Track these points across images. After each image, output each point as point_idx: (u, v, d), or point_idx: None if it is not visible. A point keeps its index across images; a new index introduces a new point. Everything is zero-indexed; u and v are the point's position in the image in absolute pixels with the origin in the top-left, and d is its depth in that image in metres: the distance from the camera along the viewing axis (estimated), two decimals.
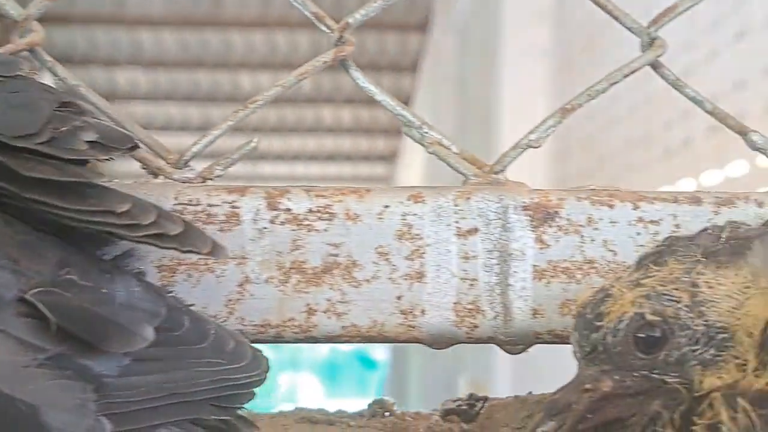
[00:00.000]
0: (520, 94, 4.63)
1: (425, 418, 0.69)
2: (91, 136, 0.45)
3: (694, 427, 0.43)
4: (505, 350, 0.59)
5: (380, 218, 0.58)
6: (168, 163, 0.60)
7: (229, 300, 0.57)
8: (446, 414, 0.69)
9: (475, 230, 0.58)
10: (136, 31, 6.22)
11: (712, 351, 0.45)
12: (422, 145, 0.64)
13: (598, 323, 0.47)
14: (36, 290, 0.41)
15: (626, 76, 0.63)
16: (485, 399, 0.69)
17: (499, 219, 0.58)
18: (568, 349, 0.50)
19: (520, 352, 0.59)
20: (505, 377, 3.86)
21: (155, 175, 0.60)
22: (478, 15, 5.63)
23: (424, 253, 0.58)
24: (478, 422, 0.66)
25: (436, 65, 6.31)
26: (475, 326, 0.58)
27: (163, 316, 0.45)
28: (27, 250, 0.42)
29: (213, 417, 0.46)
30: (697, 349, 0.45)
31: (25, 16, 0.61)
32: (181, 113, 7.18)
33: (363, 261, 0.58)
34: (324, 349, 7.06)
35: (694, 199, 0.59)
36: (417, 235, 0.58)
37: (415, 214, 0.58)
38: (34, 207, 0.43)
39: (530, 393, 0.66)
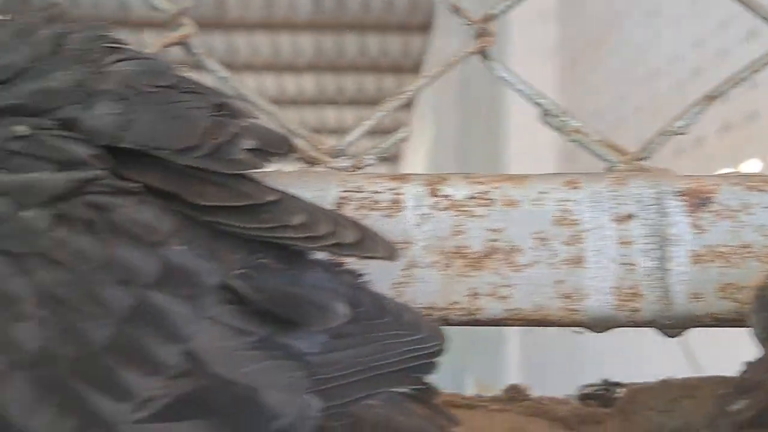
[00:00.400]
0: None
1: (563, 403, 0.70)
2: (250, 144, 0.45)
3: None
4: (664, 334, 0.60)
5: (537, 204, 0.59)
6: (324, 153, 0.61)
7: (396, 284, 0.58)
8: (583, 398, 0.70)
9: (632, 216, 0.59)
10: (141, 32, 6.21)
11: None
12: (562, 133, 0.65)
13: None
14: (237, 273, 0.42)
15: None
16: (619, 384, 0.70)
17: (655, 204, 0.59)
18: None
19: (677, 336, 0.61)
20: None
21: (312, 164, 0.61)
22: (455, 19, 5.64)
23: (582, 238, 0.59)
24: (617, 406, 0.67)
25: (439, 66, 6.31)
26: (636, 310, 0.59)
27: (346, 294, 0.45)
28: (219, 241, 0.43)
29: (408, 387, 0.47)
30: None
31: (177, 10, 0.62)
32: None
33: (522, 246, 0.59)
34: None
35: None
36: (575, 220, 0.59)
37: (572, 200, 0.59)
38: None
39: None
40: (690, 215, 0.59)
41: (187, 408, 0.38)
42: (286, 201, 0.45)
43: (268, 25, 6.11)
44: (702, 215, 0.59)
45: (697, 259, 0.59)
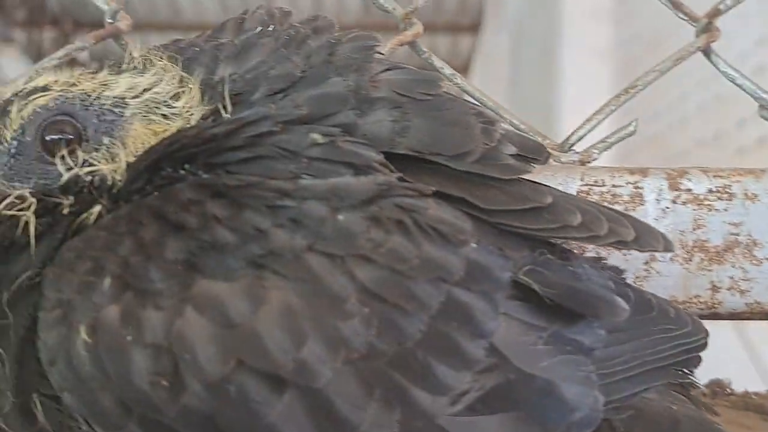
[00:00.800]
0: (580, 94, 4.61)
1: (763, 397, 0.70)
2: (512, 149, 0.46)
3: None
4: None
5: None
6: (553, 148, 0.62)
7: (637, 277, 0.59)
8: None
9: None
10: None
11: None
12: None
13: None
14: (526, 269, 0.42)
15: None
16: None
17: None
18: None
19: None
20: None
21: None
22: (534, 14, 5.63)
23: None
24: None
25: (488, 66, 6.31)
26: None
27: (619, 290, 0.46)
28: (504, 239, 0.44)
29: (680, 381, 0.47)
30: None
31: (408, 9, 0.63)
32: None
33: (763, 240, 0.59)
34: None
35: None
36: None
37: None
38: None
39: None
40: None
41: (496, 401, 0.39)
42: (562, 201, 0.45)
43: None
44: None
45: None
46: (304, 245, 0.37)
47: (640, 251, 0.47)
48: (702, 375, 0.62)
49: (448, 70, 0.65)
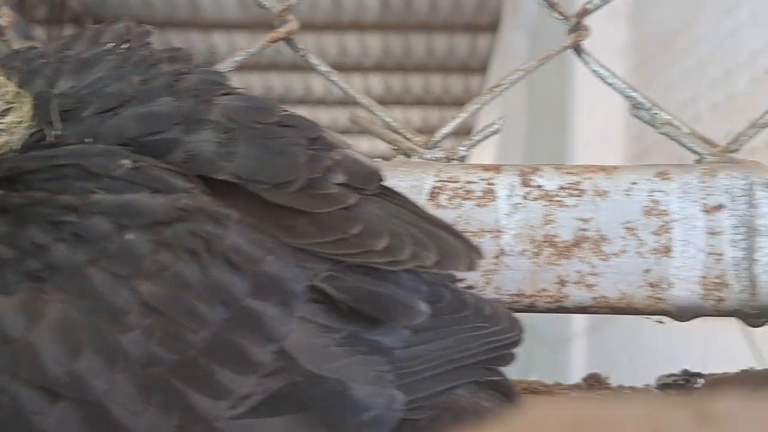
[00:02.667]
0: (595, 93, 4.60)
1: (643, 392, 0.71)
2: (341, 178, 0.47)
3: None
4: (748, 323, 0.61)
5: (627, 194, 0.61)
6: (419, 145, 0.64)
7: (486, 271, 0.60)
8: (662, 388, 0.71)
9: (721, 206, 0.60)
10: (211, 34, 6.35)
11: None
12: (653, 126, 0.66)
13: None
14: (323, 276, 0.43)
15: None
16: (699, 375, 0.71)
17: (745, 195, 0.60)
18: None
19: (762, 326, 0.61)
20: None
21: (408, 155, 0.64)
22: (548, 14, 5.60)
23: (670, 228, 0.61)
24: (699, 395, 0.69)
25: (506, 66, 6.30)
26: (721, 299, 0.60)
27: (426, 292, 0.47)
28: (305, 254, 0.44)
29: (487, 378, 0.48)
30: None
31: (283, 7, 0.66)
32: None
33: (611, 235, 0.61)
34: None
35: None
36: (663, 211, 0.61)
37: (661, 191, 0.61)
38: None
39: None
40: None
41: (281, 403, 0.40)
42: (372, 225, 0.46)
43: (335, 26, 6.17)
44: None
45: None
46: (85, 260, 0.38)
47: (440, 272, 0.48)
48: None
49: (323, 68, 0.67)
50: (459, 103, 7.24)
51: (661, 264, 0.60)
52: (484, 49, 6.58)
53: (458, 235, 0.51)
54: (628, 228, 0.61)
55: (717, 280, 0.60)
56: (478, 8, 6.22)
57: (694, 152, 0.64)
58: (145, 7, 5.87)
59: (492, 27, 6.38)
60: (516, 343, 0.50)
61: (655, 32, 5.00)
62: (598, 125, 4.69)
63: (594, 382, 0.73)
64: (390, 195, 0.51)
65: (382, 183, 0.51)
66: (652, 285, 0.60)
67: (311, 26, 6.24)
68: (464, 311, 0.48)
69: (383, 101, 7.02)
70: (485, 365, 0.49)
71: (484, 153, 6.97)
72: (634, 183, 0.61)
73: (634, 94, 0.66)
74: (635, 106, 0.66)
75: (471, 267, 0.49)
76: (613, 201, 0.61)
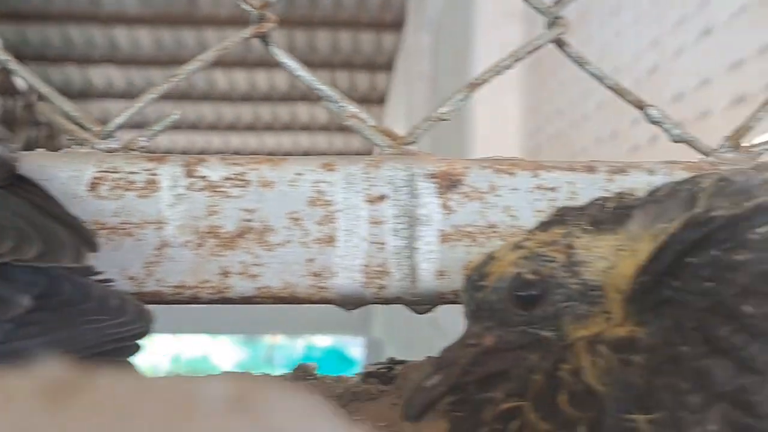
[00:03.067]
0: (491, 91, 4.67)
1: (345, 381, 0.72)
2: None
3: (560, 373, 0.46)
4: (412, 310, 0.62)
5: (293, 185, 0.61)
6: (93, 134, 0.63)
7: (148, 263, 0.60)
8: (366, 377, 0.72)
9: (384, 197, 0.61)
10: (112, 28, 6.21)
11: (585, 306, 0.48)
12: (339, 118, 0.67)
13: (482, 283, 0.49)
14: None
15: (530, 52, 0.66)
16: (403, 362, 0.72)
17: (407, 186, 0.61)
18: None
19: (426, 312, 0.63)
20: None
21: (81, 145, 0.63)
22: (451, 13, 5.67)
23: (334, 218, 0.61)
24: (395, 383, 0.70)
25: (411, 63, 6.34)
26: (383, 287, 0.61)
27: (41, 286, 0.47)
28: None
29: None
30: (571, 305, 0.48)
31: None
32: (155, 111, 7.16)
33: (276, 226, 0.61)
34: (299, 347, 7.08)
35: (589, 168, 0.62)
36: (328, 201, 0.61)
37: (326, 182, 0.61)
38: None
39: None
40: (440, 197, 0.61)
41: None
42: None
43: (240, 22, 6.12)
44: (451, 196, 0.62)
45: (445, 238, 0.61)
46: None
47: (44, 265, 0.48)
48: None
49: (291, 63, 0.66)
50: (365, 100, 7.25)
51: (324, 253, 0.61)
52: (390, 47, 6.61)
53: (77, 228, 0.50)
54: (293, 218, 0.61)
55: (379, 269, 0.61)
56: (383, 5, 6.25)
57: (376, 144, 0.65)
58: (43, 1, 5.72)
59: (397, 24, 6.41)
60: (141, 334, 0.50)
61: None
62: (496, 121, 4.77)
63: (301, 373, 0.73)
64: (22, 186, 0.51)
65: (16, 173, 0.50)
66: (315, 274, 0.61)
67: (215, 21, 6.17)
68: (85, 304, 0.48)
69: (288, 97, 7.01)
70: (107, 357, 0.49)
71: None
72: (299, 174, 0.61)
73: (321, 87, 0.67)
74: (325, 99, 0.67)
75: (78, 260, 0.49)
76: (279, 191, 0.61)
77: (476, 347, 0.49)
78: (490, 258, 0.50)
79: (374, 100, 6.96)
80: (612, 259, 0.50)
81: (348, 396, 0.68)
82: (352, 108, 0.66)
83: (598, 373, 0.45)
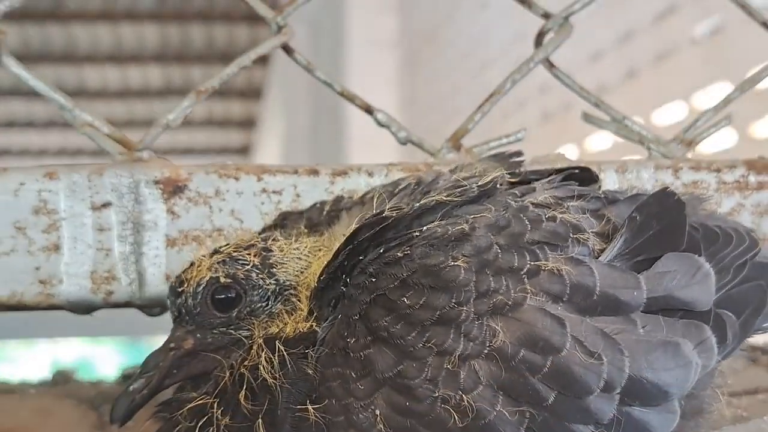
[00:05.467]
0: (367, 84, 4.72)
1: (97, 384, 0.73)
2: None
3: (242, 370, 0.49)
4: (145, 313, 0.64)
5: (17, 195, 0.62)
6: None
7: None
8: (125, 378, 0.74)
9: (109, 204, 0.63)
10: None
11: (279, 306, 0.51)
12: (75, 126, 0.67)
13: (181, 289, 0.51)
14: None
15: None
16: None
17: (132, 193, 0.63)
18: None
19: (158, 315, 0.65)
20: None
21: None
22: (327, 5, 5.69)
23: (60, 226, 0.62)
24: None
25: (288, 58, 6.31)
26: (112, 292, 0.63)
27: None
28: None
29: None
30: (267, 305, 0.51)
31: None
32: (26, 109, 6.91)
33: (1, 235, 0.62)
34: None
35: (312, 171, 0.65)
36: (53, 209, 0.62)
37: (50, 191, 0.62)
38: None
39: None
40: (165, 202, 0.63)
41: None
42: None
43: (110, 17, 5.96)
44: (177, 202, 0.64)
45: (171, 243, 0.63)
46: None
47: None
48: None
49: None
50: (243, 94, 7.19)
51: (51, 261, 0.62)
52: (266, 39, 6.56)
53: None
54: (18, 228, 0.62)
55: (106, 274, 0.63)
56: None
57: (108, 152, 0.66)
58: None
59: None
60: None
61: (421, 25, 5.19)
62: (371, 125, 4.83)
63: (60, 378, 0.74)
64: None
65: None
66: (42, 282, 0.62)
67: (83, 16, 6.00)
68: None
69: (163, 93, 6.87)
70: None
71: (270, 150, 6.99)
72: (22, 183, 0.62)
73: (56, 97, 0.67)
74: (60, 108, 0.67)
75: None
76: (2, 201, 0.62)
77: (177, 350, 0.51)
78: (190, 264, 0.53)
79: (251, 94, 6.92)
80: (309, 259, 0.53)
81: (99, 399, 0.69)
82: (87, 117, 0.67)
83: (273, 368, 0.48)
